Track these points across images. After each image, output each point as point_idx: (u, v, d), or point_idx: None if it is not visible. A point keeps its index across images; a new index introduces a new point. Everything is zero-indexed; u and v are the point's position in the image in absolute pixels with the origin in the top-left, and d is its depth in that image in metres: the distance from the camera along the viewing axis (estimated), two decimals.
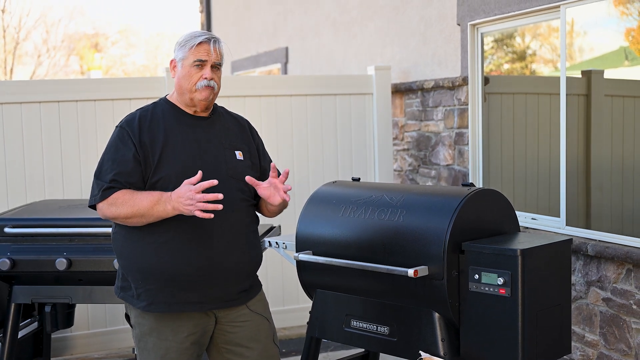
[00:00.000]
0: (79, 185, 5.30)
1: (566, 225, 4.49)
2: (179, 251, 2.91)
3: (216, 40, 3.01)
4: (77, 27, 28.57)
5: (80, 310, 5.23)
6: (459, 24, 5.55)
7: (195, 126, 3.02)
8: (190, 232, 2.91)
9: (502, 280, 3.04)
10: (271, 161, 3.17)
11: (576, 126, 4.87)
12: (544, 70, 5.83)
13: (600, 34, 4.73)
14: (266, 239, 4.12)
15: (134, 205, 2.84)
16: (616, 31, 4.59)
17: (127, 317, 3.09)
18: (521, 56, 5.88)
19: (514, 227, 3.47)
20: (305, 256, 3.65)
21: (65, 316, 4.35)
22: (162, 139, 2.93)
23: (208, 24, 12.15)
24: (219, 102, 3.26)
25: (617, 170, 4.65)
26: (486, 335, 3.12)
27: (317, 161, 5.79)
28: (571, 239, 3.27)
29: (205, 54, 2.96)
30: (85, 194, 5.28)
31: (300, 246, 3.62)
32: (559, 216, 4.56)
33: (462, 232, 3.20)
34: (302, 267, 3.70)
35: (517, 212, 4.91)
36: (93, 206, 2.98)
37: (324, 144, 5.85)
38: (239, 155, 3.07)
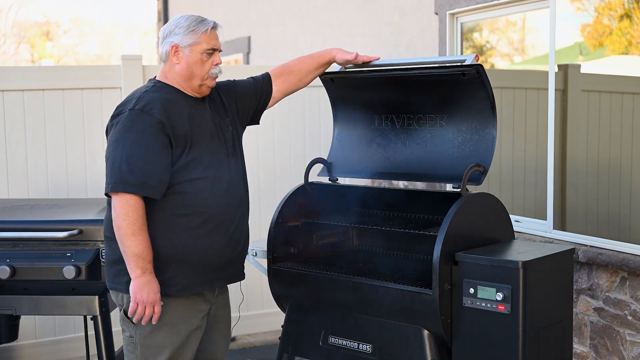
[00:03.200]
0: (25, 183, 4.84)
1: (553, 228, 4.21)
2: (212, 233, 2.91)
3: (219, 26, 3.04)
4: (28, 14, 27.65)
5: (27, 317, 4.78)
6: (436, 13, 5.23)
7: (202, 109, 3.00)
8: (217, 215, 2.92)
9: (501, 296, 2.74)
10: (259, 77, 3.29)
11: (554, 122, 4.60)
12: (500, 64, 5.61)
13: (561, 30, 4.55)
14: None
15: (134, 235, 2.75)
16: (572, 27, 4.50)
17: (126, 313, 2.92)
18: (479, 51, 5.65)
19: (509, 234, 3.17)
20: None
21: (8, 329, 3.93)
22: (188, 122, 2.89)
23: (165, 13, 11.67)
24: None
25: (614, 171, 4.40)
26: (481, 356, 2.82)
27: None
28: (573, 249, 2.99)
29: (216, 41, 2.99)
30: (33, 192, 4.83)
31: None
32: (545, 219, 4.28)
33: (455, 240, 2.88)
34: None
35: None
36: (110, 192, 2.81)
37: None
38: (232, 129, 3.09)
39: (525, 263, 2.71)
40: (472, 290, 2.81)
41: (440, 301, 2.83)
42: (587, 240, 3.96)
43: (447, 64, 3.11)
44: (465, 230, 2.94)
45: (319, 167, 3.61)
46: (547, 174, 4.35)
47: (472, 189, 3.16)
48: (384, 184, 5.26)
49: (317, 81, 3.54)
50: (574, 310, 4.03)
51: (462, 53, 5.06)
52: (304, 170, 3.53)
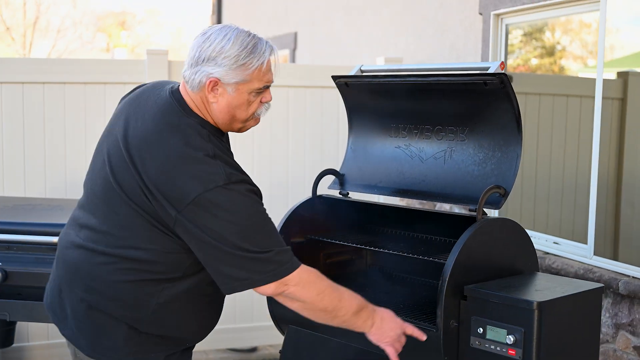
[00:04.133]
0: (22, 180, 4.66)
1: (594, 254, 3.81)
2: (218, 302, 2.47)
3: (276, 51, 2.37)
4: (105, 3, 28.14)
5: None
6: (480, 13, 4.87)
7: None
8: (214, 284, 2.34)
9: (512, 339, 2.39)
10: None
11: (609, 135, 4.20)
12: (572, 66, 5.19)
13: (633, 32, 4.12)
14: None
15: (342, 298, 2.30)
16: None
17: None
18: (550, 52, 5.25)
19: (531, 266, 2.81)
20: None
21: (3, 334, 3.76)
22: None
23: (219, 5, 11.51)
24: None
25: None
26: None
27: None
28: (602, 287, 2.61)
29: (271, 75, 2.34)
30: (30, 190, 4.63)
31: None
32: (586, 242, 3.89)
33: (466, 271, 2.55)
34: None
35: (537, 234, 4.27)
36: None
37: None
38: None
39: (541, 304, 2.36)
40: (480, 330, 2.48)
41: (444, 339, 2.51)
42: (629, 270, 3.56)
43: (470, 72, 2.78)
44: (478, 260, 2.60)
45: (329, 178, 3.32)
46: (589, 191, 3.95)
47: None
48: (399, 200, 4.93)
49: (324, 81, 3.25)
50: (612, 346, 3.64)
51: (506, 56, 4.69)
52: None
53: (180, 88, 2.34)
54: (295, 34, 8.41)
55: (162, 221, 2.20)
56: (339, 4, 7.36)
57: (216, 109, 2.28)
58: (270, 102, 2.39)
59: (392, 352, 2.42)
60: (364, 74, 3.18)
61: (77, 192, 4.71)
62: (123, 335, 2.31)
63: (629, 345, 3.54)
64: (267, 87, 2.34)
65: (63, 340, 4.78)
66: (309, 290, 2.27)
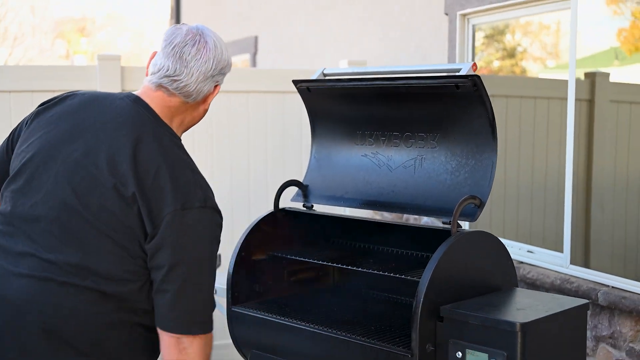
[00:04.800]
0: None
1: (571, 263, 3.65)
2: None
3: None
4: (64, 10, 27.58)
5: None
6: (446, 14, 4.70)
7: None
8: None
9: None
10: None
11: (577, 137, 4.06)
12: (532, 68, 5.08)
13: (597, 32, 4.00)
14: None
15: None
16: (608, 30, 4.01)
17: None
18: (511, 53, 5.12)
19: (510, 280, 2.63)
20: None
21: None
22: None
23: (177, 9, 11.23)
24: None
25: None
26: None
27: None
28: (588, 304, 2.44)
29: None
30: None
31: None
32: (561, 251, 3.72)
33: (442, 290, 2.35)
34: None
35: (511, 242, 4.10)
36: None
37: None
38: None
39: (524, 325, 2.17)
40: (459, 354, 2.28)
41: None
42: (609, 280, 3.40)
43: (440, 74, 2.59)
44: (454, 277, 2.41)
45: (292, 190, 3.10)
46: (564, 196, 3.79)
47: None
48: (368, 212, 4.73)
49: (285, 86, 3.05)
50: (592, 359, 3.47)
51: (473, 57, 4.52)
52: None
53: (145, 98, 2.19)
54: (256, 38, 8.19)
55: (138, 242, 2.05)
56: (300, 5, 7.16)
57: (201, 113, 2.26)
58: None
59: None
60: (327, 77, 2.97)
61: None
62: None
63: (611, 359, 3.38)
64: None
65: None
66: (203, 356, 2.11)
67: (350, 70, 3.03)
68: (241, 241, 2.90)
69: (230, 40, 8.88)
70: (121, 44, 29.13)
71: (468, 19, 4.49)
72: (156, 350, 2.20)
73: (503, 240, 4.09)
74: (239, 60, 8.72)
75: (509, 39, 5.16)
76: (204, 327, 2.10)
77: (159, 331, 2.10)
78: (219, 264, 3.72)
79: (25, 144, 2.17)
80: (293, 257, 2.93)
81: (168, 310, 2.06)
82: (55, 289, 2.04)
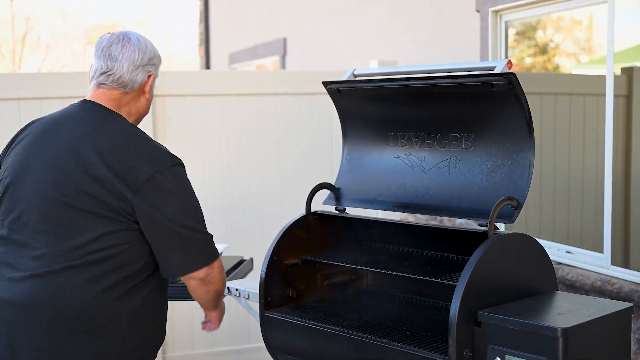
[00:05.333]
0: None
1: (611, 264, 3.55)
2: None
3: None
4: (94, 16, 27.88)
5: None
6: (478, 10, 4.62)
7: None
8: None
9: None
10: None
11: (616, 134, 3.96)
12: (565, 64, 4.98)
13: (627, 27, 3.90)
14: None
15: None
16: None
17: None
18: (543, 50, 5.03)
19: (550, 284, 2.55)
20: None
21: None
22: None
23: (206, 13, 11.26)
24: None
25: None
26: None
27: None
28: (631, 307, 2.35)
29: None
30: None
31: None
32: (601, 251, 3.63)
33: (479, 294, 2.29)
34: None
35: (549, 243, 4.01)
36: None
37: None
38: None
39: (566, 330, 2.10)
40: None
41: None
42: None
43: (474, 72, 2.53)
44: (492, 281, 2.34)
45: (324, 193, 3.06)
46: (603, 195, 3.69)
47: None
48: (401, 215, 4.67)
49: (315, 87, 3.01)
50: None
51: (506, 55, 4.44)
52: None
53: (91, 97, 2.42)
54: (285, 40, 8.16)
55: (118, 212, 2.24)
56: (327, 6, 7.12)
57: (145, 102, 2.49)
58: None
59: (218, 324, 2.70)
60: (357, 78, 2.93)
61: None
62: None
63: None
64: None
65: None
66: (222, 273, 2.45)
67: (380, 71, 2.97)
68: (273, 245, 2.86)
69: (260, 43, 8.87)
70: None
71: (500, 15, 4.41)
72: (163, 317, 2.44)
73: (541, 241, 4.04)
74: (269, 62, 8.70)
75: (540, 35, 5.07)
76: (211, 256, 2.39)
77: (185, 279, 2.37)
78: (251, 268, 3.69)
79: (1, 173, 2.42)
80: (326, 261, 2.89)
81: (179, 259, 2.32)
82: (56, 279, 2.21)
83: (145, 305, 2.33)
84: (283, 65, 8.16)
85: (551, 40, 5.16)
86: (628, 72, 4.49)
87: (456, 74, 2.56)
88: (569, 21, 4.99)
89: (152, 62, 2.47)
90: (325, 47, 7.20)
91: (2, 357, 2.25)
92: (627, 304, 2.34)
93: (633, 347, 3.35)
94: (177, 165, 2.34)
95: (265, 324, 2.83)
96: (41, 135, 2.38)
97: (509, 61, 2.46)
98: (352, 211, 3.05)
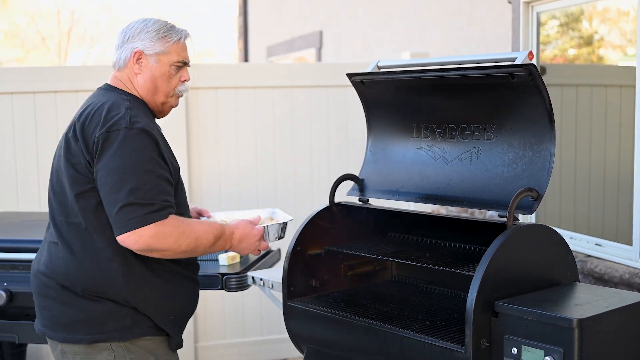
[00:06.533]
0: (37, 194, 4.52)
1: None
2: (192, 284, 2.62)
3: (191, 37, 2.66)
4: (139, 9, 28.19)
5: None
6: (510, 2, 4.59)
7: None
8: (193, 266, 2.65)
9: None
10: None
11: None
12: (611, 56, 4.89)
13: None
14: (249, 273, 3.28)
15: (197, 237, 2.40)
16: None
17: None
18: (588, 41, 4.95)
19: (570, 276, 2.55)
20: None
21: (14, 356, 3.60)
22: (171, 155, 2.53)
23: (245, 6, 11.34)
24: None
25: None
26: None
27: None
28: None
29: (187, 54, 2.61)
30: (44, 205, 4.51)
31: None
32: (630, 243, 3.59)
33: (497, 285, 2.30)
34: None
35: (578, 235, 3.98)
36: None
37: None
38: None
39: (582, 321, 2.10)
40: (515, 350, 2.23)
41: None
42: None
43: (495, 64, 2.53)
44: (510, 272, 2.35)
45: (348, 184, 3.08)
46: (633, 188, 3.64)
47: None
48: (433, 207, 4.66)
49: (346, 80, 3.03)
50: None
51: (538, 46, 4.40)
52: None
53: (109, 80, 2.58)
54: (321, 32, 8.19)
55: (88, 174, 2.38)
56: (361, 1, 7.13)
57: (141, 79, 2.52)
58: (189, 84, 2.62)
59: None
60: (381, 70, 2.94)
61: None
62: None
63: None
64: (186, 64, 2.58)
65: None
66: (165, 241, 2.32)
67: (404, 62, 2.99)
68: (296, 236, 2.90)
69: (297, 36, 8.91)
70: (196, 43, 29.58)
71: (532, 6, 4.37)
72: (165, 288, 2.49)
73: (571, 234, 4.01)
74: (306, 54, 8.75)
75: (585, 27, 5.00)
76: (133, 224, 2.29)
77: (119, 238, 2.32)
78: (279, 258, 3.74)
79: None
80: (349, 252, 2.92)
81: (115, 214, 2.31)
82: (55, 247, 2.47)
83: (133, 271, 2.41)
84: (319, 58, 8.20)
85: (595, 32, 5.08)
86: None
87: (476, 65, 2.56)
88: (614, 12, 4.90)
89: (133, 39, 2.51)
90: (360, 40, 7.21)
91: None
92: None
93: None
94: (134, 128, 2.34)
95: (288, 313, 2.87)
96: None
97: (530, 52, 2.45)
98: (375, 202, 3.07)
